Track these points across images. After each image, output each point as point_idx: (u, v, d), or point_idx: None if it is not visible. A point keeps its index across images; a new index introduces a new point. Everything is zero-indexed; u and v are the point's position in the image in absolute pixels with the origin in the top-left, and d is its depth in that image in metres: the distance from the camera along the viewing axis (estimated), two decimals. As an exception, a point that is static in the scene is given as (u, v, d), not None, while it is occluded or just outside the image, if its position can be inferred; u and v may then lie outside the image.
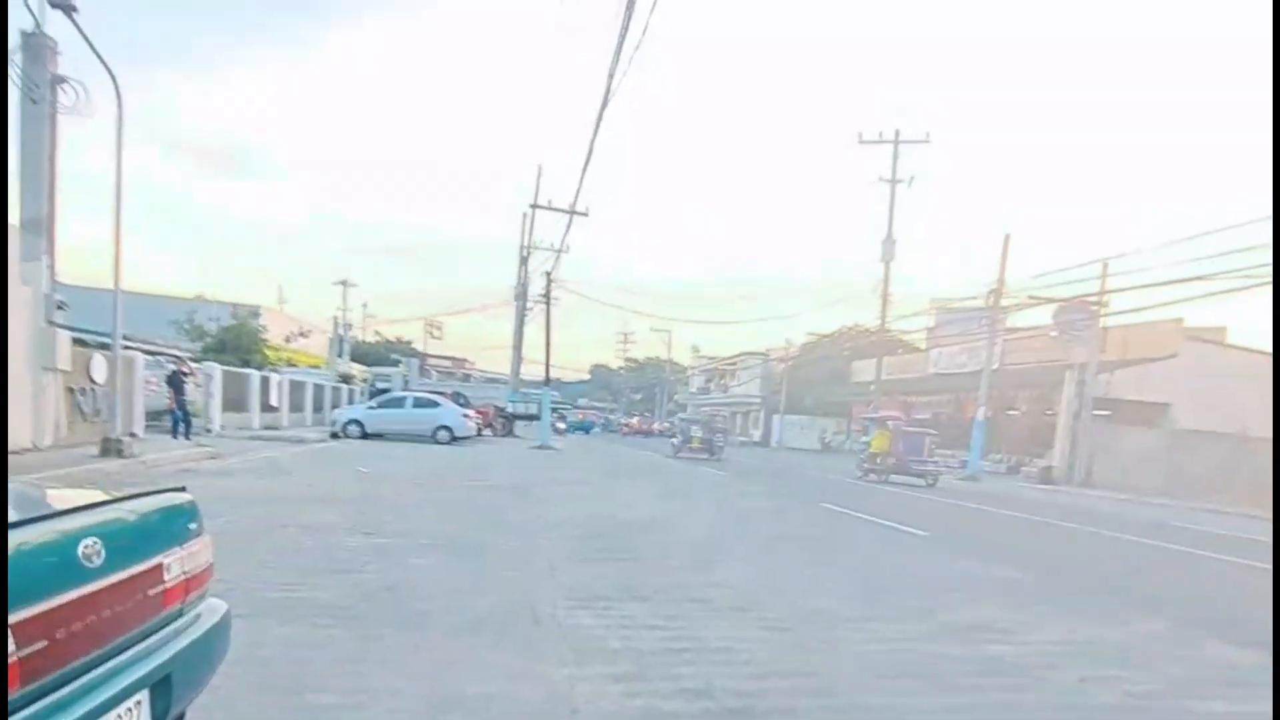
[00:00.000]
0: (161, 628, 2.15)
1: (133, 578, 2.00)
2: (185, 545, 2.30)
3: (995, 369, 32.46)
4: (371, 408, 26.72)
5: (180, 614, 2.28)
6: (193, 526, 2.38)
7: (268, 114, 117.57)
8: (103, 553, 1.86)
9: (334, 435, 25.10)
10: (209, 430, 21.41)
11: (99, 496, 2.18)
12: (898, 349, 49.61)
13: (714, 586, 6.28)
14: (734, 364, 71.63)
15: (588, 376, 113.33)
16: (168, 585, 2.17)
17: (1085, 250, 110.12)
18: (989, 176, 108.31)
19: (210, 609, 2.46)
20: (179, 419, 18.45)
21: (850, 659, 4.59)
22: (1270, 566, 9.92)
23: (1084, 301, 30.96)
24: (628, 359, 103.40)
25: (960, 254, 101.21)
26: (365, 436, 25.02)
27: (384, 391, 33.00)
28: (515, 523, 9.36)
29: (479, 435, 28.46)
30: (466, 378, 76.22)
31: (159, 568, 2.14)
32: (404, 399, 27.39)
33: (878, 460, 23.02)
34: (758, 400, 63.83)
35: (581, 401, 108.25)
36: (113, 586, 1.90)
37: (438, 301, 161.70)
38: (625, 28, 11.42)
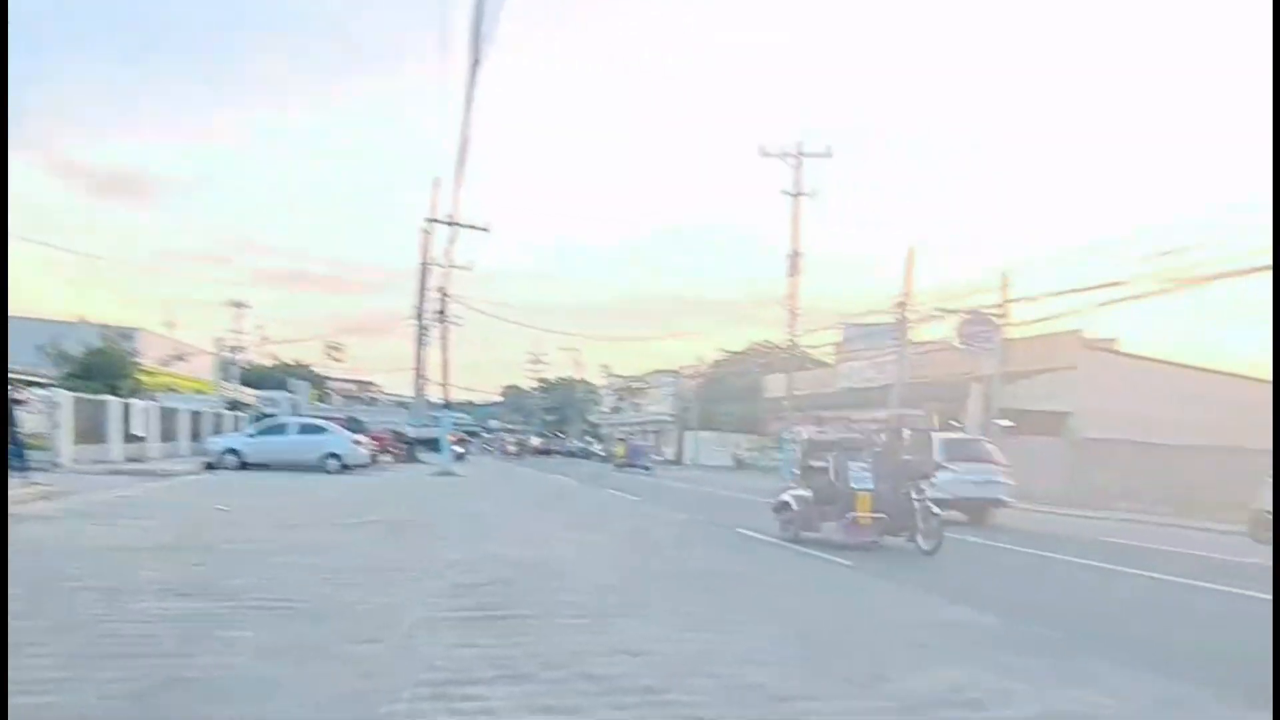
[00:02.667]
0: None
1: None
2: None
3: (905, 382, 32.44)
4: (251, 435, 24.53)
5: None
6: None
7: (165, 138, 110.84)
8: None
9: (209, 466, 22.83)
10: (55, 464, 18.95)
11: None
12: (808, 364, 49.68)
13: (618, 654, 5.04)
14: (645, 382, 70.92)
15: (500, 398, 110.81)
16: None
17: (996, 261, 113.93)
18: (897, 189, 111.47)
19: None
20: (12, 452, 16.09)
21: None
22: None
23: (985, 313, 31.26)
24: (540, 379, 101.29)
25: (869, 268, 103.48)
26: (244, 467, 22.82)
27: (269, 417, 30.59)
28: (385, 571, 7.91)
29: (374, 463, 26.53)
30: (373, 401, 72.95)
31: None
32: (286, 425, 25.27)
33: (618, 459, 41.77)
34: (670, 418, 63.15)
35: (493, 423, 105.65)
36: None
37: (341, 325, 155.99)
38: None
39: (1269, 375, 18.06)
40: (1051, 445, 29.29)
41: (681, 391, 61.28)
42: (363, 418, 35.06)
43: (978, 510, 16.97)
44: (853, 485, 10.63)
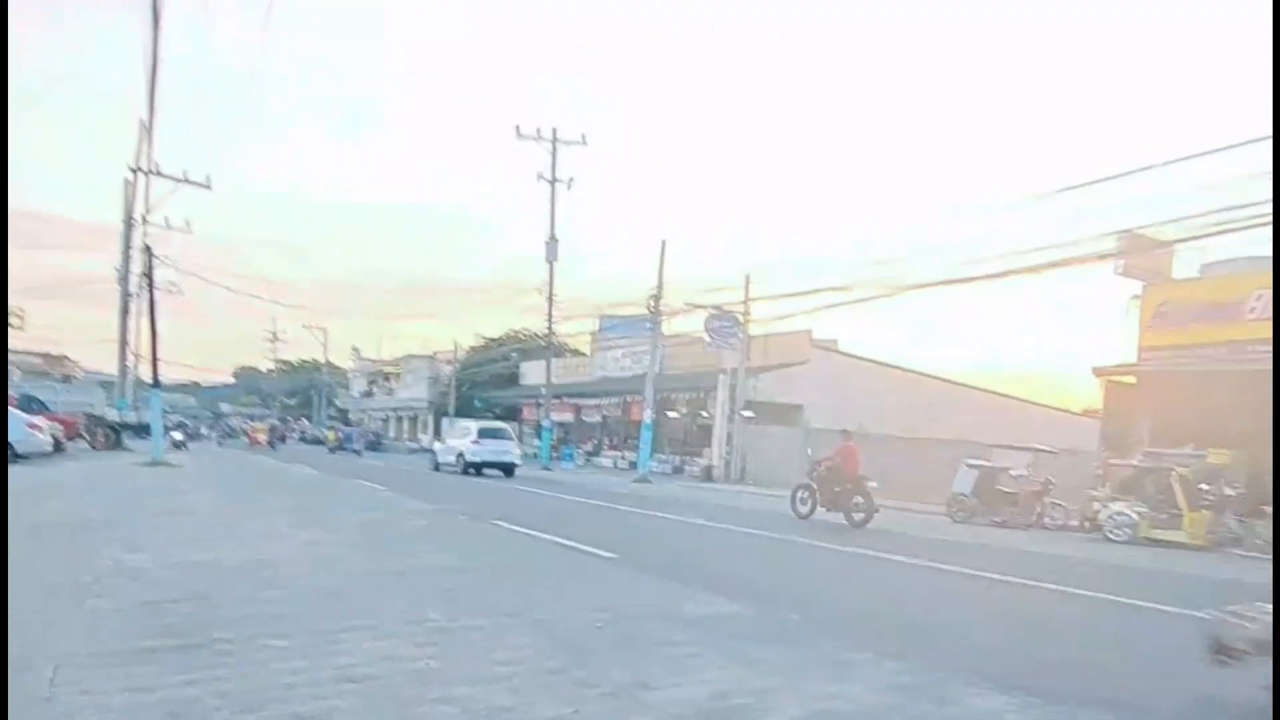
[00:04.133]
0: None
1: None
2: None
3: (658, 373, 33.35)
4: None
5: None
6: None
7: None
8: None
9: None
10: None
11: None
12: (565, 352, 49.79)
13: (336, 684, 4.14)
14: (398, 366, 67.80)
15: (233, 379, 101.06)
16: None
17: (749, 257, 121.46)
18: (655, 182, 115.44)
19: None
20: None
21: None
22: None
23: (730, 310, 32.92)
24: (278, 360, 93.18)
25: (625, 258, 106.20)
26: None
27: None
28: (43, 585, 6.30)
29: (60, 451, 22.58)
30: (67, 378, 63.36)
31: None
32: (-65, 405, 20.70)
33: (331, 443, 49.78)
34: (425, 404, 60.80)
35: (225, 407, 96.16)
36: None
37: (25, 285, 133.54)
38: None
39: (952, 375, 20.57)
40: (789, 434, 31.48)
41: (437, 376, 59.18)
42: (50, 397, 29.99)
43: (506, 469, 26.47)
44: None
